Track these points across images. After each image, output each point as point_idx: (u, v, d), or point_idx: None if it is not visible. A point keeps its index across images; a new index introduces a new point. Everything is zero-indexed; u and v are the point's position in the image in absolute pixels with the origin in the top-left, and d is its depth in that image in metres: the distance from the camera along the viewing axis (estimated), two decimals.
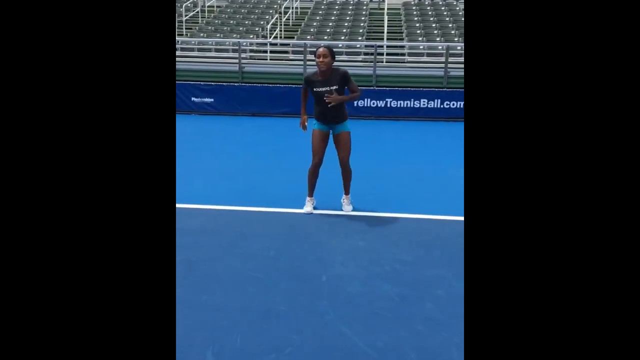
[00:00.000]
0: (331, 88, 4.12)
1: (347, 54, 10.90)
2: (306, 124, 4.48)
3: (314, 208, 4.44)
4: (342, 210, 4.41)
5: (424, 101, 9.62)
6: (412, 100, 9.63)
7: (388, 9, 13.34)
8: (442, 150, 7.19)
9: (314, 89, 4.17)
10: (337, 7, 13.44)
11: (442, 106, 9.62)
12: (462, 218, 4.23)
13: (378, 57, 10.41)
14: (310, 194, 4.45)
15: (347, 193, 4.47)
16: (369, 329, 2.58)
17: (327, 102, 4.10)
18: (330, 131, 4.33)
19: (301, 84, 10.27)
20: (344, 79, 4.14)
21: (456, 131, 8.54)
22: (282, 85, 9.67)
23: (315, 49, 4.23)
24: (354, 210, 4.39)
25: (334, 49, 4.19)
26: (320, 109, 4.24)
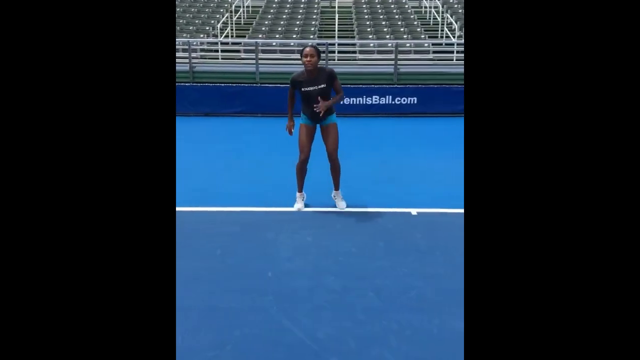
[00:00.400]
0: (319, 87, 4.12)
1: (299, 52, 10.92)
2: (292, 130, 4.40)
3: (305, 205, 4.47)
4: (335, 207, 4.44)
5: (375, 98, 9.78)
6: (364, 97, 9.77)
7: (339, 7, 13.47)
8: (393, 145, 7.34)
9: (302, 89, 4.17)
10: (288, 6, 13.44)
11: (393, 102, 9.81)
12: (406, 210, 4.36)
13: (330, 54, 10.50)
14: (300, 190, 4.49)
15: (337, 188, 4.48)
16: (311, 322, 2.63)
17: (317, 111, 4.10)
18: (318, 125, 4.36)
19: (253, 83, 10.06)
20: (330, 78, 4.15)
21: (407, 126, 8.74)
22: (234, 85, 9.61)
23: (301, 48, 4.22)
24: (306, 207, 4.44)
25: (306, 48, 4.16)
26: (309, 110, 4.24)
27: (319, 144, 4.44)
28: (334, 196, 4.51)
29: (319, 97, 4.13)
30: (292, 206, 4.43)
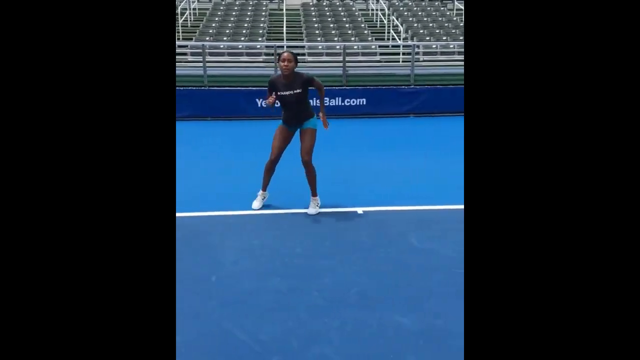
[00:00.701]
0: (294, 92, 4.16)
1: (248, 54, 10.87)
2: (273, 102, 4.19)
3: (264, 204, 4.51)
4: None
5: (325, 99, 9.85)
6: (315, 99, 9.81)
7: (287, 10, 13.50)
8: (344, 146, 7.43)
9: (278, 92, 4.21)
10: (236, 8, 13.34)
11: (343, 104, 9.94)
12: (353, 209, 4.43)
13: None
14: (264, 188, 4.52)
15: (314, 195, 4.43)
16: (255, 324, 2.63)
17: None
18: (298, 129, 4.38)
19: (201, 86, 9.95)
20: (306, 84, 4.19)
21: (357, 127, 8.87)
22: (182, 88, 9.42)
23: (279, 53, 4.22)
24: (252, 209, 4.42)
25: (291, 52, 4.21)
26: (286, 114, 4.30)
27: (294, 145, 4.46)
28: (311, 201, 4.44)
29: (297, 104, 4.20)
30: (241, 210, 4.41)
